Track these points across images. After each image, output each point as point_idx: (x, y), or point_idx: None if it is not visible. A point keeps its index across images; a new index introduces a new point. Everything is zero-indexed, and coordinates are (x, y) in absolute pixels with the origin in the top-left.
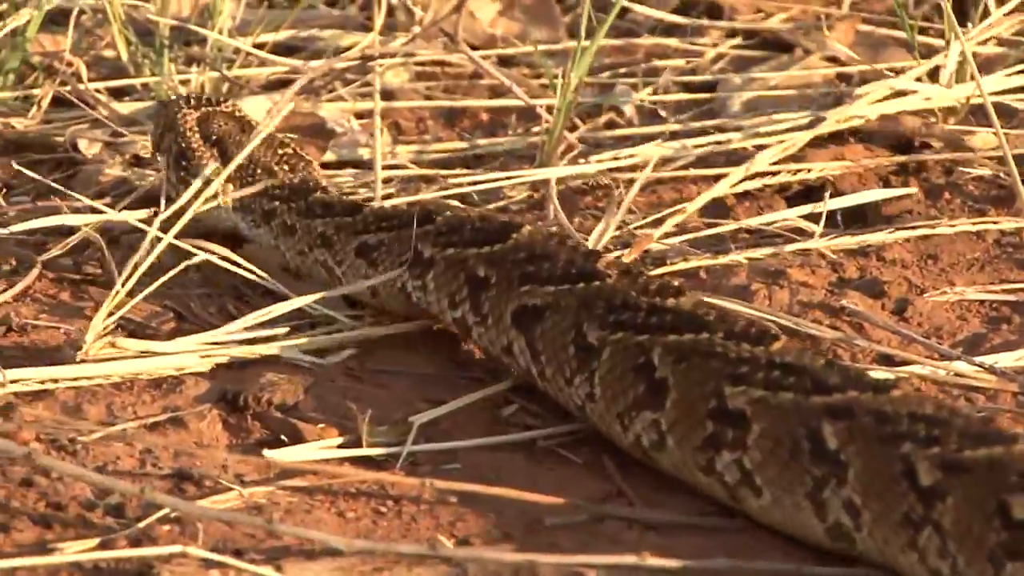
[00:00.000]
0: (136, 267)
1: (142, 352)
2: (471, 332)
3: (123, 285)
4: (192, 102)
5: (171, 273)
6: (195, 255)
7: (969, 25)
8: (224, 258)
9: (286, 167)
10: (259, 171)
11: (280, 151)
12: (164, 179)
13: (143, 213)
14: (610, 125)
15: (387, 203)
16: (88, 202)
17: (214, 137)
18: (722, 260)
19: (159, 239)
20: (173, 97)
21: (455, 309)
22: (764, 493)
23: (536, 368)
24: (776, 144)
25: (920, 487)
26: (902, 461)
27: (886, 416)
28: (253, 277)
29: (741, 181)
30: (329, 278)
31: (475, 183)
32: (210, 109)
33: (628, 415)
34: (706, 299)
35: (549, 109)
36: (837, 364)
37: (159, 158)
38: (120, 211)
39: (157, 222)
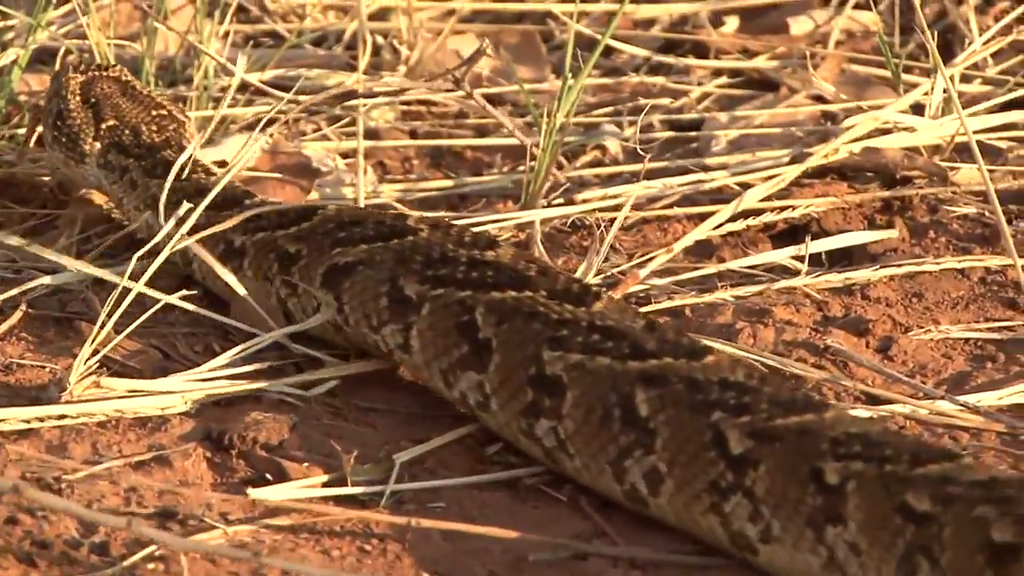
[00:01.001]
0: (111, 314)
1: (128, 392)
2: (287, 305)
3: (101, 328)
4: (80, 67)
5: (150, 312)
6: (175, 295)
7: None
8: (208, 304)
9: (155, 127)
10: (127, 131)
11: (154, 112)
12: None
13: (116, 264)
14: (595, 164)
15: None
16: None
17: (93, 100)
18: (707, 298)
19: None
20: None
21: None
22: (575, 458)
23: (340, 317)
24: (762, 182)
25: (730, 455)
26: (711, 429)
27: (698, 384)
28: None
29: (727, 221)
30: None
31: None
32: (95, 74)
33: (453, 373)
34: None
35: (536, 148)
36: (657, 326)
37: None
38: (100, 252)
39: (129, 269)
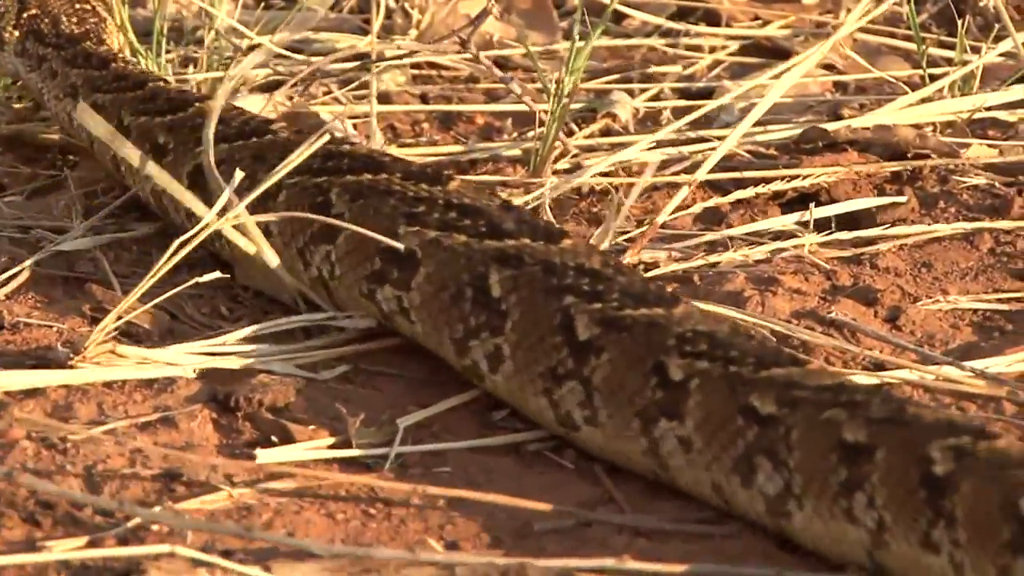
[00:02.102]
0: (149, 277)
1: (140, 359)
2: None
3: (131, 297)
4: None
5: (179, 288)
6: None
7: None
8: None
9: (75, 19)
10: (47, 20)
11: (77, 5)
12: None
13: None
14: (606, 131)
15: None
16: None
17: None
18: (713, 259)
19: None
20: None
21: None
22: (416, 325)
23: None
24: (775, 152)
25: (576, 341)
26: (562, 313)
27: (553, 267)
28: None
29: (737, 189)
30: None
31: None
32: None
33: (308, 250)
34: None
35: (545, 114)
36: (513, 207)
37: None
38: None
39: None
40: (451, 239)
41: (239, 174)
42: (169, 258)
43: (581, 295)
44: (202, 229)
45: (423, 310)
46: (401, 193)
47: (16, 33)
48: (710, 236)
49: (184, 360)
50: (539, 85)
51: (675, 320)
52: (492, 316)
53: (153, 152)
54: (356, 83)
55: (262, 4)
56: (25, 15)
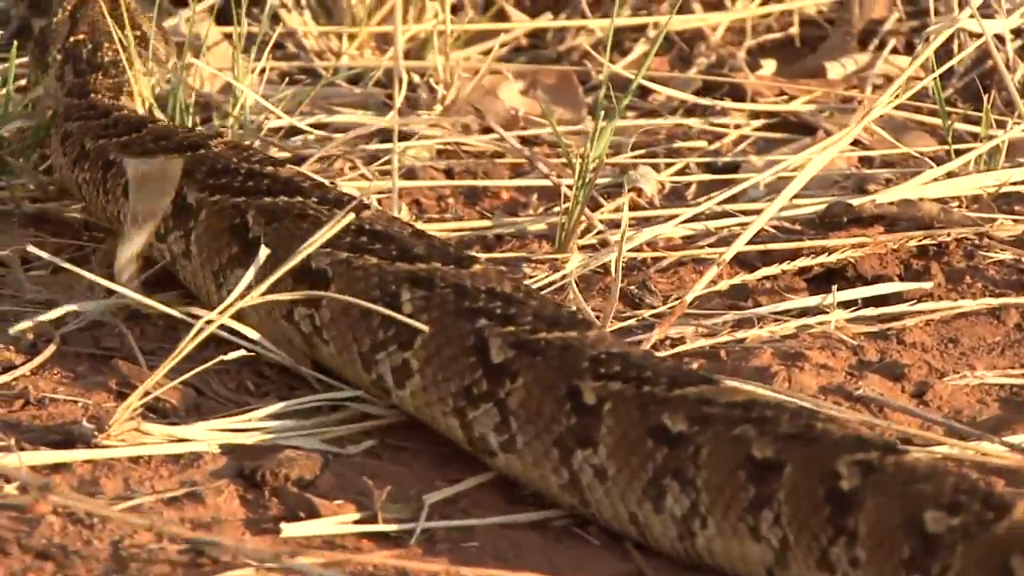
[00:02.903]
0: (174, 355)
1: (166, 437)
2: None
3: (158, 374)
4: None
5: (204, 366)
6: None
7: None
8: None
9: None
10: (90, 46)
11: (127, 32)
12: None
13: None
14: (632, 206)
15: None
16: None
17: (77, 16)
18: (740, 335)
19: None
20: None
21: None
22: (330, 344)
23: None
24: (800, 227)
25: (490, 363)
26: (475, 336)
27: (465, 290)
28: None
29: (764, 264)
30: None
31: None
32: None
33: (223, 273)
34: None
35: (570, 189)
36: (424, 234)
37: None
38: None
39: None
40: (362, 260)
41: (264, 252)
42: (193, 337)
43: (493, 318)
44: (225, 309)
45: (333, 327)
46: (315, 217)
47: (59, 56)
48: (737, 314)
49: (210, 436)
50: (564, 160)
51: (588, 343)
52: (401, 331)
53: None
54: (381, 159)
55: (286, 80)
56: (71, 39)
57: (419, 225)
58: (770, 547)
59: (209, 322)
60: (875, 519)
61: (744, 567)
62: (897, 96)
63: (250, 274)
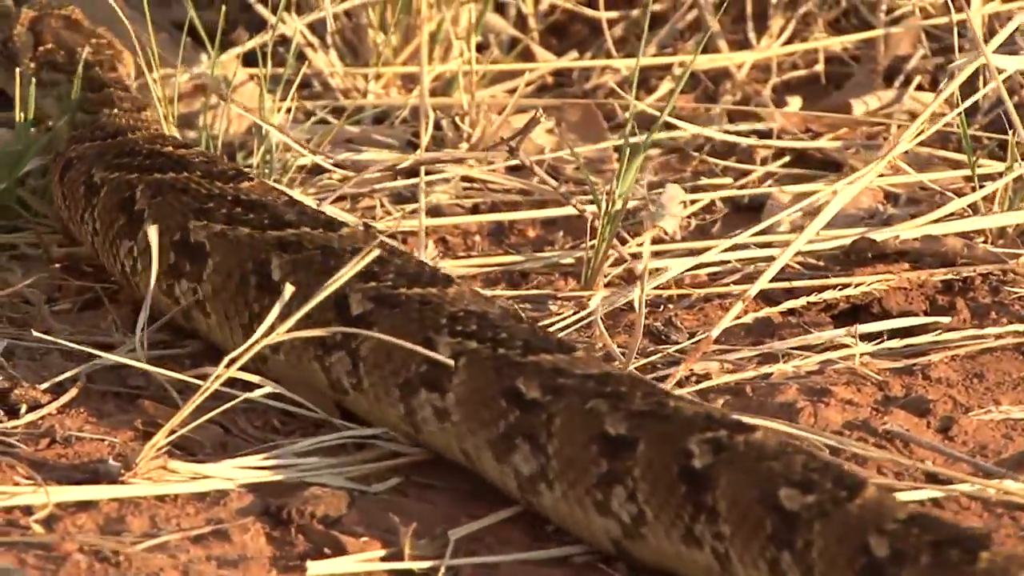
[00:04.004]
0: (200, 393)
1: (192, 475)
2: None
3: (183, 412)
4: (34, 5)
5: (223, 408)
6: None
7: None
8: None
9: (91, 50)
10: (63, 52)
11: (94, 40)
12: None
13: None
14: (657, 241)
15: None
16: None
17: (38, 28)
18: (765, 370)
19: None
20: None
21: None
22: (211, 316)
23: (64, 213)
24: (825, 263)
25: (350, 316)
26: (337, 292)
27: (331, 251)
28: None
29: (789, 299)
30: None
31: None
32: (47, 11)
33: (116, 244)
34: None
35: (594, 223)
36: (298, 202)
37: None
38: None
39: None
40: (236, 231)
41: (289, 289)
42: (219, 376)
43: (357, 275)
44: (251, 346)
45: (215, 300)
46: (196, 191)
47: (32, 64)
48: (762, 349)
49: (236, 474)
50: (590, 197)
51: (448, 300)
52: (274, 298)
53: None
54: (406, 196)
55: (312, 119)
56: (40, 48)
57: (445, 263)
58: (618, 521)
59: (233, 361)
60: (731, 496)
61: (589, 536)
62: (922, 132)
63: (275, 312)
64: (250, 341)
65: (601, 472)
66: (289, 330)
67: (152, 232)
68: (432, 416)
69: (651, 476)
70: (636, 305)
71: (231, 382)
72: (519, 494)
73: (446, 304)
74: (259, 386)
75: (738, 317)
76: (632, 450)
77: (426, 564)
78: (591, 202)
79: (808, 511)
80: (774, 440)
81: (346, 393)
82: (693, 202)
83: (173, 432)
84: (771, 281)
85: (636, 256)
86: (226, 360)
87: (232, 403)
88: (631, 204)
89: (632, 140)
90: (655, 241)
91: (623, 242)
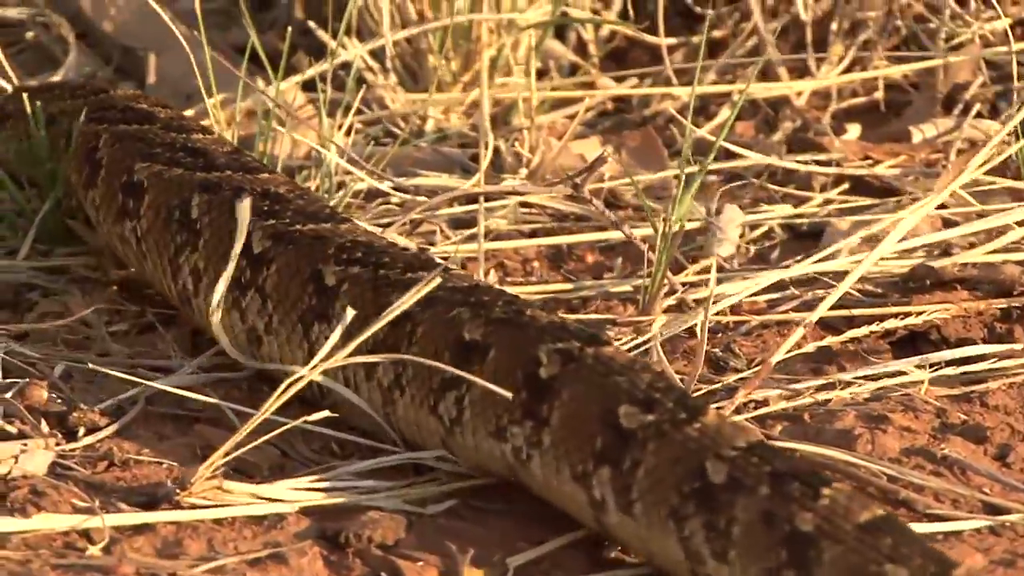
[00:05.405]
0: (258, 416)
1: (249, 496)
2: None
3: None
4: None
5: (287, 426)
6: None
7: None
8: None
9: None
10: None
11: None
12: None
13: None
14: (718, 268)
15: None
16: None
17: None
18: (823, 397)
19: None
20: None
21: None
22: (147, 259)
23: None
24: (883, 290)
25: (252, 254)
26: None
27: (242, 192)
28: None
29: (849, 327)
30: None
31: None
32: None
33: (82, 192)
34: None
35: (653, 250)
36: (238, 149)
37: None
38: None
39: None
40: (170, 172)
41: (349, 313)
42: (276, 399)
43: (260, 214)
44: (312, 369)
45: (149, 238)
46: (151, 140)
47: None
48: (823, 380)
49: (293, 496)
50: (648, 223)
51: (338, 233)
52: (191, 236)
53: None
54: (466, 221)
55: (371, 142)
56: None
57: (505, 287)
58: (441, 424)
59: (291, 385)
60: (572, 408)
61: (421, 438)
62: (988, 160)
63: (336, 334)
64: (310, 366)
65: (446, 378)
66: (350, 353)
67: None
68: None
69: (495, 382)
70: (698, 331)
71: (290, 403)
72: (383, 408)
73: (336, 237)
74: (316, 410)
75: (798, 345)
76: (483, 356)
77: None
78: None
79: (644, 430)
80: (624, 354)
81: (260, 342)
82: (753, 227)
83: (229, 454)
84: (830, 309)
85: (691, 285)
86: (284, 385)
87: (289, 426)
88: (691, 227)
89: (690, 168)
90: (717, 267)
91: (681, 269)
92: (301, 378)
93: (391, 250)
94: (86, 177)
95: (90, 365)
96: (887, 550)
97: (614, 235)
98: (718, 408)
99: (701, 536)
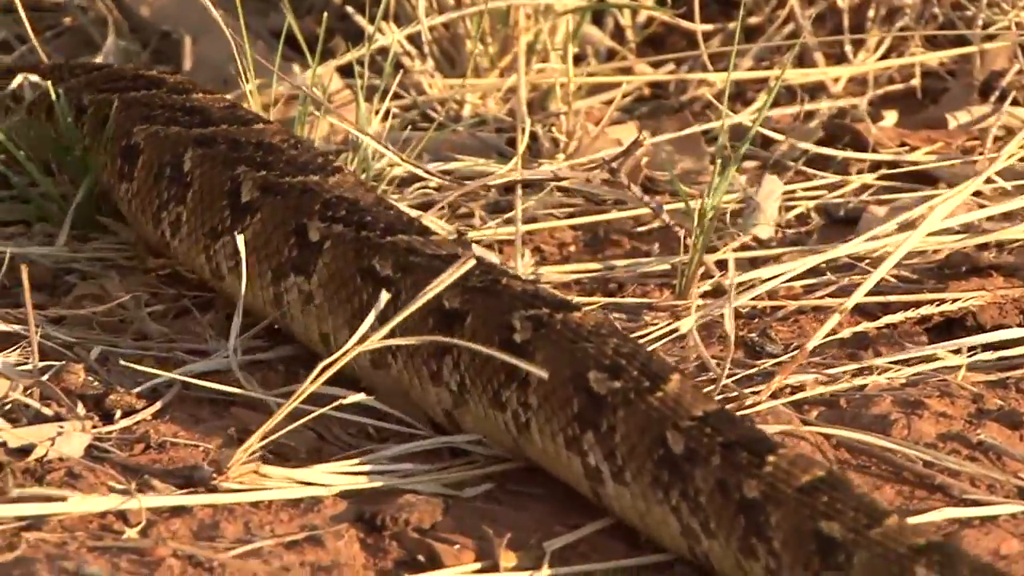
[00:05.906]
0: (294, 398)
1: (285, 479)
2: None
3: (276, 417)
4: None
5: (312, 415)
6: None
7: None
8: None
9: None
10: None
11: None
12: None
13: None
14: (750, 248)
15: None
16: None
17: None
18: (859, 382)
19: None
20: None
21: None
22: (137, 216)
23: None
24: (918, 276)
25: (239, 204)
26: (231, 181)
27: (237, 144)
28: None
29: (884, 313)
30: None
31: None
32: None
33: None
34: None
35: (690, 236)
36: (236, 105)
37: None
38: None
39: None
40: (167, 130)
41: (384, 296)
42: (312, 381)
43: (252, 165)
44: (345, 352)
45: (137, 196)
46: (154, 103)
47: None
48: (859, 365)
49: (330, 479)
50: (684, 209)
51: (327, 187)
52: (180, 189)
53: None
54: (503, 204)
55: (408, 127)
56: None
57: (541, 271)
58: (448, 391)
59: (328, 367)
60: (547, 371)
61: (427, 406)
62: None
63: (371, 318)
64: (344, 348)
65: (436, 344)
66: (385, 336)
67: (240, 240)
68: (298, 299)
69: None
70: (726, 318)
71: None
72: (371, 369)
73: (323, 192)
74: (352, 392)
75: (834, 331)
76: (462, 323)
77: (521, 575)
78: (685, 214)
79: (613, 396)
80: (592, 319)
81: (222, 278)
82: (788, 209)
83: (266, 437)
84: (867, 295)
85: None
86: (320, 367)
87: (325, 408)
88: (731, 206)
89: (726, 153)
90: (749, 248)
91: (715, 251)
92: (335, 362)
93: (374, 209)
94: (120, 168)
95: (123, 350)
96: (823, 507)
97: (650, 219)
98: (754, 392)
99: (685, 508)
